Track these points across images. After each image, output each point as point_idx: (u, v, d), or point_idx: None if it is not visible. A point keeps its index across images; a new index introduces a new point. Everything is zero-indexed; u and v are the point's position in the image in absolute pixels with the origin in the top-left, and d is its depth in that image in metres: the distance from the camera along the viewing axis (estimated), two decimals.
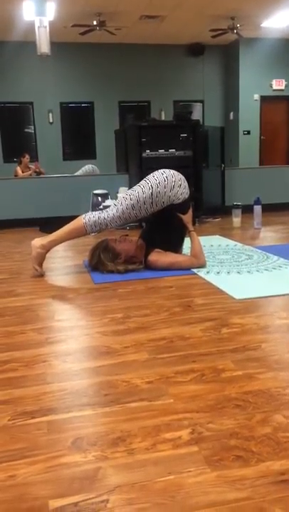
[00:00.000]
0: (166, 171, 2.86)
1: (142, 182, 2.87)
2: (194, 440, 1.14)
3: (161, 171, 2.87)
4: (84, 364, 1.62)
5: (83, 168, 6.65)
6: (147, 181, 2.84)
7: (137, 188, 2.85)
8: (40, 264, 2.90)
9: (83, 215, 2.89)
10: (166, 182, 2.79)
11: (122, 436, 1.17)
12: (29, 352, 1.72)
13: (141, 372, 1.52)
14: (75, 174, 6.32)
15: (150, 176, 2.87)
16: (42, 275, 2.87)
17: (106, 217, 2.84)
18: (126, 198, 2.84)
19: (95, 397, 1.38)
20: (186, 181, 2.90)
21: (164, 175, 2.82)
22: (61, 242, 2.93)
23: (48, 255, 2.94)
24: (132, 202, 2.81)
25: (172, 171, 2.87)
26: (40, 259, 2.89)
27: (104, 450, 1.12)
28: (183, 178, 2.89)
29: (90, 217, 2.85)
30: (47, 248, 2.90)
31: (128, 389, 1.41)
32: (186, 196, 2.89)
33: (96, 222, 2.83)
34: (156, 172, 2.88)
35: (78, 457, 1.10)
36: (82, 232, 2.88)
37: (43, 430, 1.22)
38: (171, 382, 1.44)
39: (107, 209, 2.91)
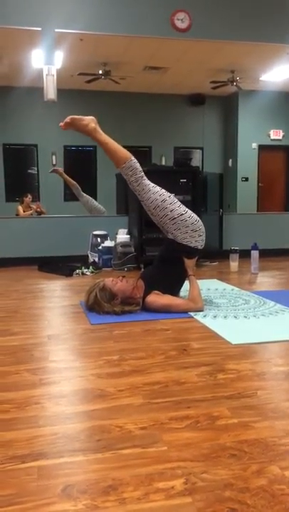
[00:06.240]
0: (198, 219, 3.02)
1: (182, 205, 3.02)
2: (188, 490, 1.11)
3: (196, 216, 3.03)
4: (77, 407, 1.59)
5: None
6: (184, 207, 3.01)
7: (176, 202, 3.00)
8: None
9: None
10: (194, 223, 2.96)
11: (113, 484, 1.14)
12: (22, 393, 1.70)
13: (135, 417, 1.49)
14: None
15: (188, 209, 3.02)
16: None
17: (143, 178, 2.94)
18: (166, 194, 2.99)
19: (87, 442, 1.35)
20: (204, 235, 3.03)
21: (197, 219, 2.99)
22: (104, 142, 2.93)
23: (46, 293, 2.93)
24: (164, 198, 2.95)
25: (201, 222, 3.03)
26: (80, 127, 2.93)
27: (95, 499, 1.09)
28: (204, 231, 3.03)
29: (136, 162, 2.94)
30: (96, 131, 2.92)
31: (121, 434, 1.38)
32: (199, 246, 3.00)
33: (137, 170, 2.91)
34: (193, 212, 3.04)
35: (68, 505, 1.07)
36: (121, 158, 2.90)
37: (33, 476, 1.18)
38: (165, 428, 1.42)
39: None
